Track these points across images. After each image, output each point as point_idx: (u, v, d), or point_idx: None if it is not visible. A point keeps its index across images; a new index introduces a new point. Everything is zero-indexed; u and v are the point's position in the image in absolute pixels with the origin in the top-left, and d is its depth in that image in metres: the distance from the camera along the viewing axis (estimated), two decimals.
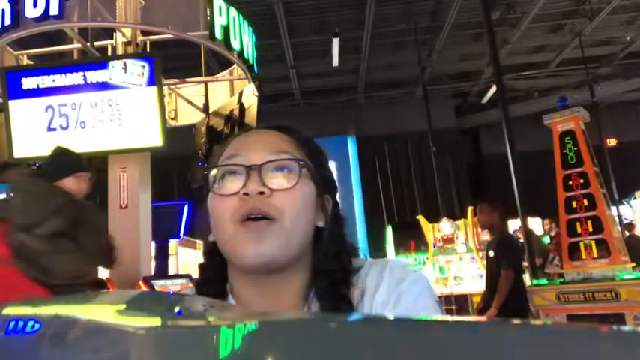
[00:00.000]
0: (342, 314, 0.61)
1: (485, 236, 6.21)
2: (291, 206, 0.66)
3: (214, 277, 0.73)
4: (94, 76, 4.95)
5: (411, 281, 0.68)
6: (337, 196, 0.77)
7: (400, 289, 0.67)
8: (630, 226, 8.22)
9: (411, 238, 8.44)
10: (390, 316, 0.58)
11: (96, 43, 5.99)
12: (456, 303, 6.68)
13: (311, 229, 0.70)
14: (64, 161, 2.77)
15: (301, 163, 0.69)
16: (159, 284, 4.36)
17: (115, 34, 5.94)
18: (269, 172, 0.67)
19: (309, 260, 0.71)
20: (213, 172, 0.69)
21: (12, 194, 2.48)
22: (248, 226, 0.65)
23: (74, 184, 2.59)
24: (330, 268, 0.69)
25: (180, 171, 10.23)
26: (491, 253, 4.19)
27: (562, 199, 4.44)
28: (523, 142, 6.34)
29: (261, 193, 0.66)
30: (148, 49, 5.93)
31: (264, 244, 0.64)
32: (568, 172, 4.44)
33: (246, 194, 0.66)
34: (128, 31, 5.79)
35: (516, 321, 0.31)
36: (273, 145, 0.70)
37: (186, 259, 8.21)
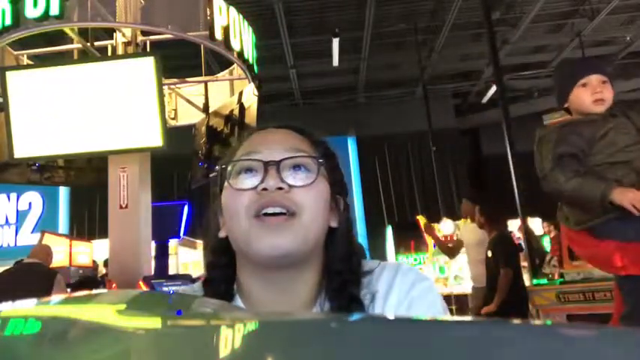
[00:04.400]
0: (345, 314, 0.61)
1: None
2: (309, 202, 0.66)
3: (222, 276, 0.72)
4: (94, 75, 4.95)
5: (422, 289, 0.69)
6: (347, 199, 0.78)
7: (412, 296, 0.68)
8: None
9: (411, 238, 8.44)
10: (395, 317, 0.58)
11: (96, 43, 6.00)
12: (456, 303, 6.69)
13: (325, 227, 0.70)
14: (556, 78, 2.11)
15: (320, 161, 0.69)
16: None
17: (115, 34, 5.94)
18: (286, 168, 0.67)
19: (321, 260, 0.72)
20: (230, 166, 0.69)
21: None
22: (265, 220, 0.65)
23: (579, 95, 1.94)
24: (342, 268, 0.70)
25: (180, 171, 10.22)
26: (489, 253, 4.20)
27: None
28: (523, 142, 6.32)
29: (280, 188, 0.66)
30: (148, 49, 5.93)
31: (282, 237, 0.64)
32: None
33: (264, 189, 0.66)
34: (128, 31, 5.79)
35: (516, 321, 0.31)
36: (291, 143, 0.70)
37: (186, 259, 8.21)
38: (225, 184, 0.69)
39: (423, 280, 0.71)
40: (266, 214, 0.65)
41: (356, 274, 0.70)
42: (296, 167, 0.68)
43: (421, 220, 8.10)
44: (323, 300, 0.69)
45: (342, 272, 0.69)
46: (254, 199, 0.66)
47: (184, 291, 0.79)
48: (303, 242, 0.65)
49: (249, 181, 0.67)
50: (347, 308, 0.66)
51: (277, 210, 0.65)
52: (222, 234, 0.72)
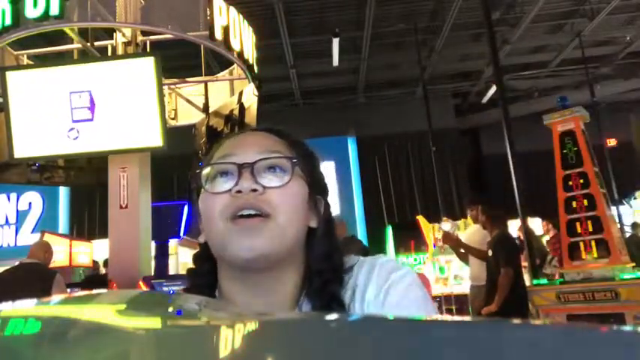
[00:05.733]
0: (340, 314, 0.61)
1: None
2: (284, 203, 0.66)
3: (203, 282, 0.72)
4: (94, 76, 4.95)
5: (399, 275, 0.69)
6: (328, 198, 0.77)
7: (389, 282, 0.68)
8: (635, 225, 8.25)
9: (411, 238, 8.44)
10: (386, 316, 0.58)
11: (96, 43, 5.99)
12: (456, 303, 6.68)
13: (304, 227, 0.70)
14: None
15: (294, 160, 0.69)
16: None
17: (115, 34, 5.94)
18: (261, 170, 0.67)
19: (301, 260, 0.71)
20: (206, 171, 0.69)
21: None
22: (239, 223, 0.65)
23: None
24: (322, 268, 0.69)
25: (180, 171, 10.22)
26: (490, 252, 4.21)
27: (562, 199, 4.44)
28: (523, 142, 6.33)
29: (254, 190, 0.65)
30: (148, 49, 5.93)
31: (257, 239, 0.64)
32: (568, 172, 4.44)
33: (239, 192, 0.65)
34: (128, 31, 5.79)
35: (516, 321, 0.31)
36: (266, 145, 0.70)
37: (186, 259, 8.20)
38: (202, 188, 0.69)
39: (400, 268, 0.70)
40: (241, 217, 0.65)
41: (337, 273, 0.70)
42: (271, 168, 0.68)
43: (421, 219, 8.11)
44: (303, 300, 0.69)
45: (322, 272, 0.69)
46: (228, 202, 0.65)
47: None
48: (279, 243, 0.65)
49: (224, 185, 0.67)
50: (328, 308, 0.66)
51: (252, 212, 0.65)
52: (201, 239, 0.72)
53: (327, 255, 0.71)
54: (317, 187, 0.74)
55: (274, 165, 0.68)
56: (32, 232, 10.90)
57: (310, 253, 0.71)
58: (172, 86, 6.56)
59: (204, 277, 0.73)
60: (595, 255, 4.22)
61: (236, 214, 0.65)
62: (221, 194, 0.66)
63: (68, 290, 4.50)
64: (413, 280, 0.69)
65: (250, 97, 5.71)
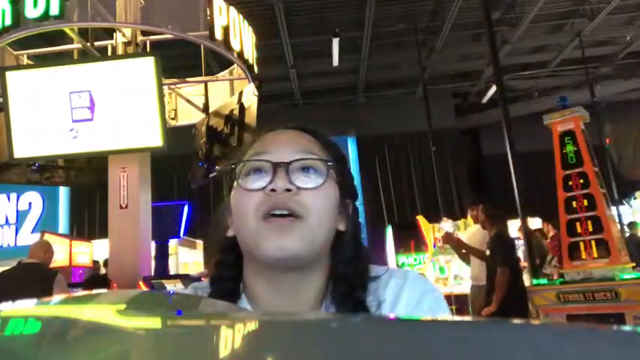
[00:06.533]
0: (341, 315, 0.61)
1: None
2: (317, 205, 0.66)
3: (229, 275, 0.72)
4: (94, 75, 4.95)
5: (432, 301, 0.69)
6: (357, 202, 0.77)
7: (421, 309, 0.68)
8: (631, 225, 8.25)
9: (411, 238, 8.44)
10: (396, 317, 0.58)
11: (96, 43, 5.99)
12: (456, 303, 6.68)
13: (333, 230, 0.70)
14: None
15: (329, 163, 0.69)
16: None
17: (115, 34, 5.94)
18: (296, 170, 0.67)
19: (327, 263, 0.71)
20: (240, 166, 0.69)
21: None
22: (272, 221, 0.65)
23: None
24: (348, 272, 0.69)
25: (180, 171, 10.21)
26: (488, 252, 4.22)
27: (562, 199, 4.44)
28: (523, 142, 6.32)
29: (288, 190, 0.66)
30: (148, 49, 5.94)
31: (288, 240, 0.64)
32: (568, 172, 4.44)
33: (272, 190, 0.66)
34: (128, 31, 5.79)
35: (516, 321, 0.31)
36: (301, 145, 0.70)
37: (186, 259, 8.21)
38: (235, 183, 0.69)
39: (433, 291, 0.71)
40: (274, 215, 0.65)
41: (363, 278, 0.70)
42: (305, 169, 0.68)
43: (421, 219, 8.12)
44: (329, 303, 0.69)
45: (348, 276, 0.69)
46: (262, 200, 0.66)
47: (195, 287, 0.78)
48: (309, 245, 0.65)
49: (257, 182, 0.67)
50: (352, 312, 0.66)
51: (284, 212, 0.65)
52: (230, 233, 0.72)
53: (353, 259, 0.71)
54: (347, 191, 0.73)
55: (309, 166, 0.68)
56: (32, 232, 10.90)
57: (336, 257, 0.71)
58: (172, 86, 6.57)
59: (230, 269, 0.73)
60: (595, 255, 4.22)
61: (269, 213, 0.65)
62: (255, 191, 0.67)
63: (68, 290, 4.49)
64: (446, 308, 0.71)
65: (250, 97, 5.71)
